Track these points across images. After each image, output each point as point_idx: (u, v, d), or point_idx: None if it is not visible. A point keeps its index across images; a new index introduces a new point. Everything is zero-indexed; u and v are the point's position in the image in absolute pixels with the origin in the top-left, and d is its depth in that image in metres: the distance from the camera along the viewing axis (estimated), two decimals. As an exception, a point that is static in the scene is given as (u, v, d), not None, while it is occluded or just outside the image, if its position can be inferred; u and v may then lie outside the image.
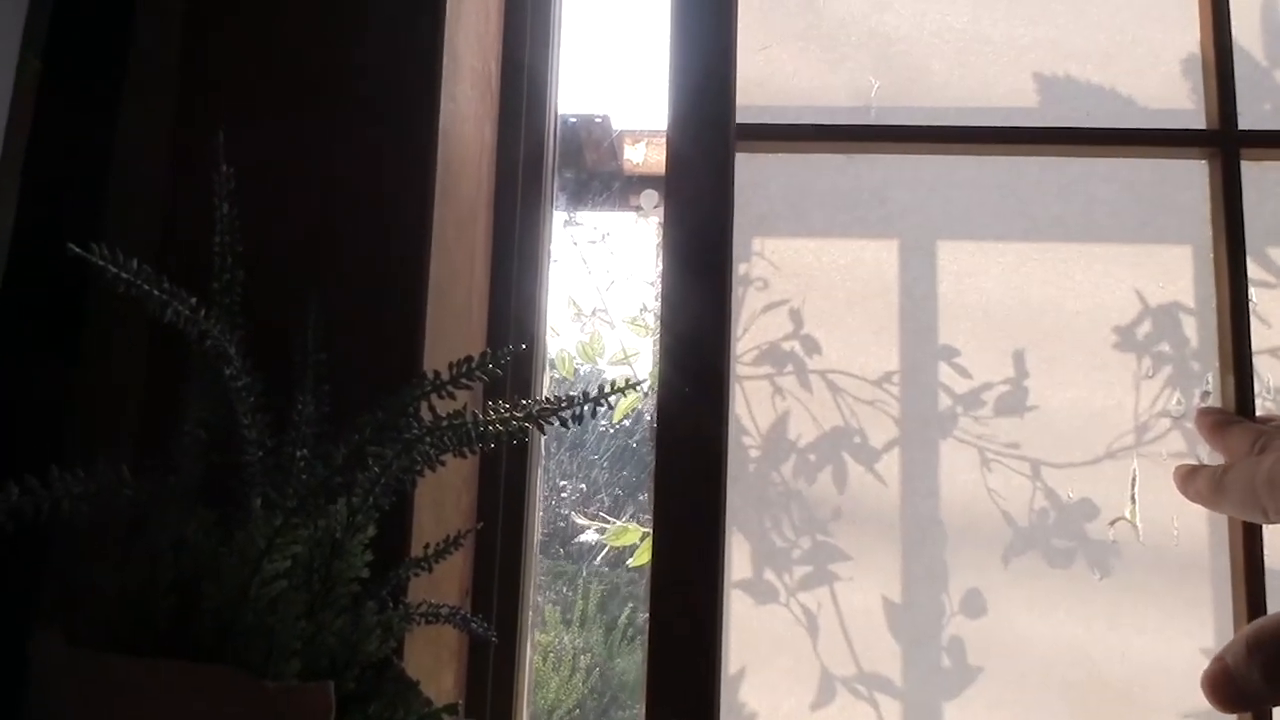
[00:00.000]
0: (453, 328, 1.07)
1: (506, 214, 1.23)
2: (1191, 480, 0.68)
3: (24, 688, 0.81)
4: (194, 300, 0.74)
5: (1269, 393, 1.12)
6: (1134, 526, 1.09)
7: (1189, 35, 1.18)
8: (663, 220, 1.14)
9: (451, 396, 0.77)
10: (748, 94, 1.19)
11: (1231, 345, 1.10)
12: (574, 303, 1.69)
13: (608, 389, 0.73)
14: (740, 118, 1.16)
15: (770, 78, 1.20)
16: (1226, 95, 1.14)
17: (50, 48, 0.90)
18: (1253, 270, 1.14)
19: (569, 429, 0.77)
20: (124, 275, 0.67)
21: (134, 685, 0.73)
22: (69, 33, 0.91)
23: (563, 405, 0.74)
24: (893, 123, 1.18)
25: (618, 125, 1.63)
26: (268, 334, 0.85)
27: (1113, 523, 1.09)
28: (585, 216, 1.66)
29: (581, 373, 1.73)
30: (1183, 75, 1.18)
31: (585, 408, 0.73)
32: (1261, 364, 1.13)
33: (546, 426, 0.75)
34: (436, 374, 0.77)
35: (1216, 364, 1.11)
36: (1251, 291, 1.11)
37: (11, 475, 0.67)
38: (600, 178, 1.64)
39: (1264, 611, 1.03)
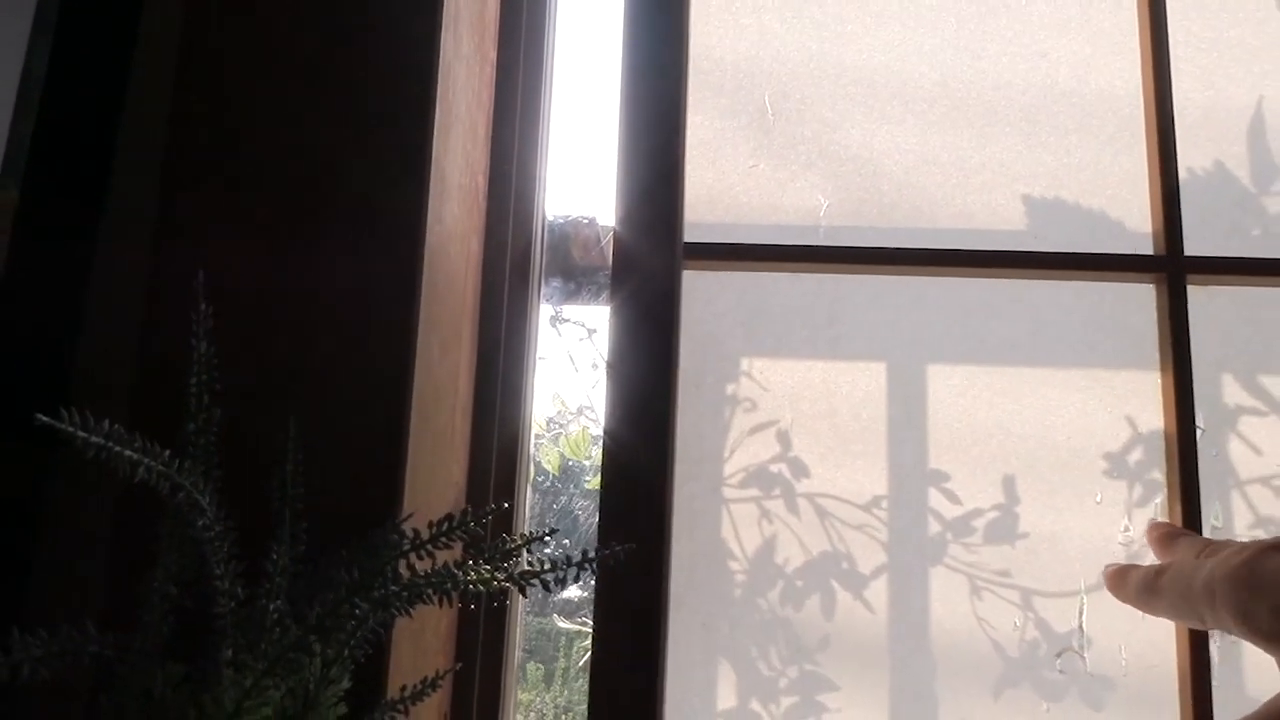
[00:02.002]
0: (435, 449, 1.05)
1: (493, 324, 1.22)
2: (1123, 580, 0.66)
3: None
4: (168, 453, 0.72)
5: (1259, 524, 1.10)
6: (1081, 658, 1.07)
7: (1136, 158, 1.19)
8: (609, 341, 1.13)
9: (431, 556, 0.75)
10: (696, 211, 1.18)
11: (1177, 474, 1.09)
12: (560, 399, 1.68)
13: (587, 555, 0.71)
14: (689, 235, 1.16)
15: (720, 195, 1.19)
16: (1172, 219, 1.15)
17: (28, 177, 0.89)
18: (1242, 397, 1.13)
19: (551, 592, 0.75)
20: (94, 440, 0.66)
21: None
22: (48, 162, 0.90)
23: (545, 570, 0.72)
24: (842, 242, 1.18)
25: (605, 221, 1.63)
26: (244, 462, 0.83)
27: (1056, 654, 1.08)
28: (573, 311, 1.65)
29: (572, 468, 1.71)
30: (1132, 197, 1.18)
31: (569, 572, 0.71)
32: (1253, 493, 1.12)
33: (528, 589, 0.73)
34: (416, 533, 0.75)
35: (1166, 491, 1.10)
36: (1200, 418, 1.10)
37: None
38: (588, 274, 1.64)
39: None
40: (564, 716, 1.70)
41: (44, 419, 0.62)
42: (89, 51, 0.96)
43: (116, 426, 0.68)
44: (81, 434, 0.64)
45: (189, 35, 1.02)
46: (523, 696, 1.76)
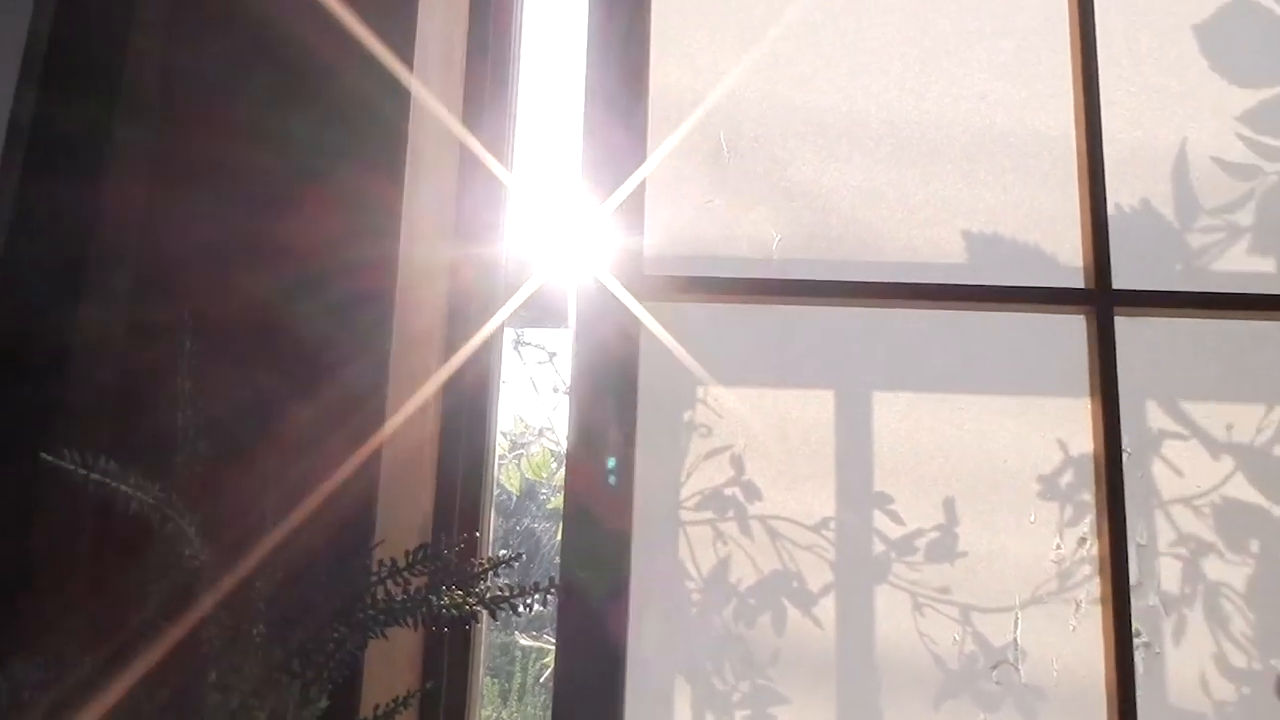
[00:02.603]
0: (405, 477, 1.10)
1: (458, 349, 1.27)
2: None
3: None
4: (158, 486, 0.77)
5: (1180, 542, 1.18)
6: (1016, 670, 1.14)
7: (1069, 196, 1.26)
8: (571, 371, 1.19)
9: (406, 583, 0.80)
10: (655, 244, 1.24)
11: (1105, 495, 1.16)
12: (522, 420, 1.73)
13: (549, 582, 0.77)
14: (648, 269, 1.22)
15: (678, 230, 1.25)
16: (1101, 254, 1.22)
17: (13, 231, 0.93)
18: (1165, 422, 1.21)
19: (519, 615, 0.80)
20: (94, 477, 0.70)
21: None
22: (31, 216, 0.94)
23: (515, 594, 0.77)
24: (794, 274, 1.24)
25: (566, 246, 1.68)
26: (227, 497, 0.88)
27: (992, 666, 1.14)
28: (534, 335, 1.70)
29: (533, 489, 1.76)
30: (1065, 232, 1.25)
31: (531, 598, 0.77)
32: (1175, 512, 1.19)
33: (496, 614, 0.78)
34: (393, 562, 0.80)
35: (1095, 511, 1.17)
36: (1127, 442, 1.18)
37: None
38: (549, 298, 1.69)
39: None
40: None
41: (48, 458, 0.66)
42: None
43: (112, 463, 0.72)
44: (82, 471, 0.69)
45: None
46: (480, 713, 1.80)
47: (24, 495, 0.91)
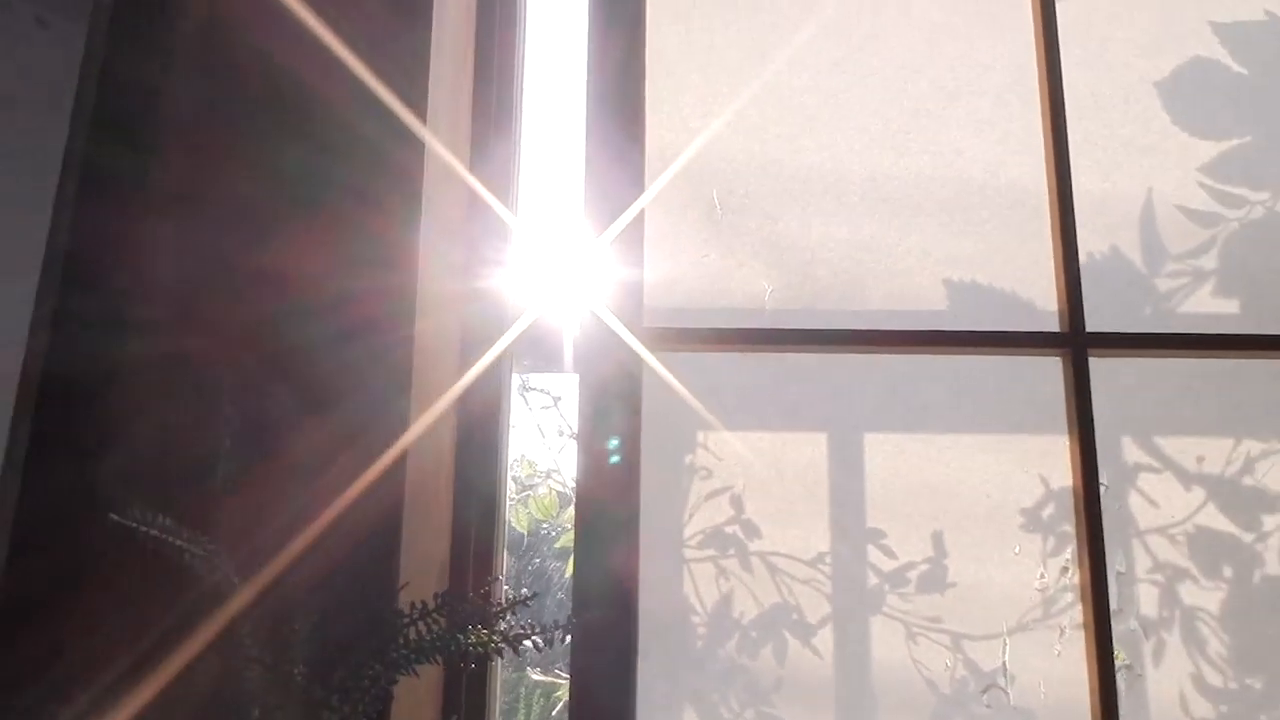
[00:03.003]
0: (424, 525, 1.17)
1: (470, 402, 1.34)
2: None
3: None
4: (206, 539, 0.84)
5: (1157, 569, 1.25)
6: (1005, 693, 1.21)
7: (1042, 244, 1.34)
8: (577, 418, 1.26)
9: (432, 625, 0.87)
10: (655, 297, 1.32)
11: (1084, 526, 1.23)
12: (529, 462, 1.80)
13: (567, 621, 0.84)
14: (648, 320, 1.30)
15: (676, 282, 1.33)
16: (1074, 296, 1.30)
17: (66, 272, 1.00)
18: (1140, 456, 1.28)
19: (540, 651, 0.87)
20: (153, 532, 0.77)
21: None
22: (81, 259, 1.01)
23: (535, 632, 0.84)
24: (786, 323, 1.32)
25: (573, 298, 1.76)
26: (261, 543, 0.95)
27: (982, 690, 1.21)
28: (539, 380, 1.77)
29: (541, 529, 1.83)
30: (1039, 279, 1.33)
31: (552, 635, 0.84)
32: (1152, 541, 1.26)
33: (511, 653, 0.85)
34: (424, 604, 0.87)
35: (1076, 541, 1.24)
36: (1104, 476, 1.25)
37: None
38: (553, 345, 1.76)
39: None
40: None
41: (116, 518, 0.73)
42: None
43: (168, 520, 0.79)
44: (144, 528, 0.76)
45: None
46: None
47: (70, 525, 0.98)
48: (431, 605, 0.88)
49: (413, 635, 0.89)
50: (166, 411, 1.09)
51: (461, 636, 0.86)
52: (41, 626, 0.96)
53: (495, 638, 0.85)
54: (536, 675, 1.58)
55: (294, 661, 0.90)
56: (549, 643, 0.84)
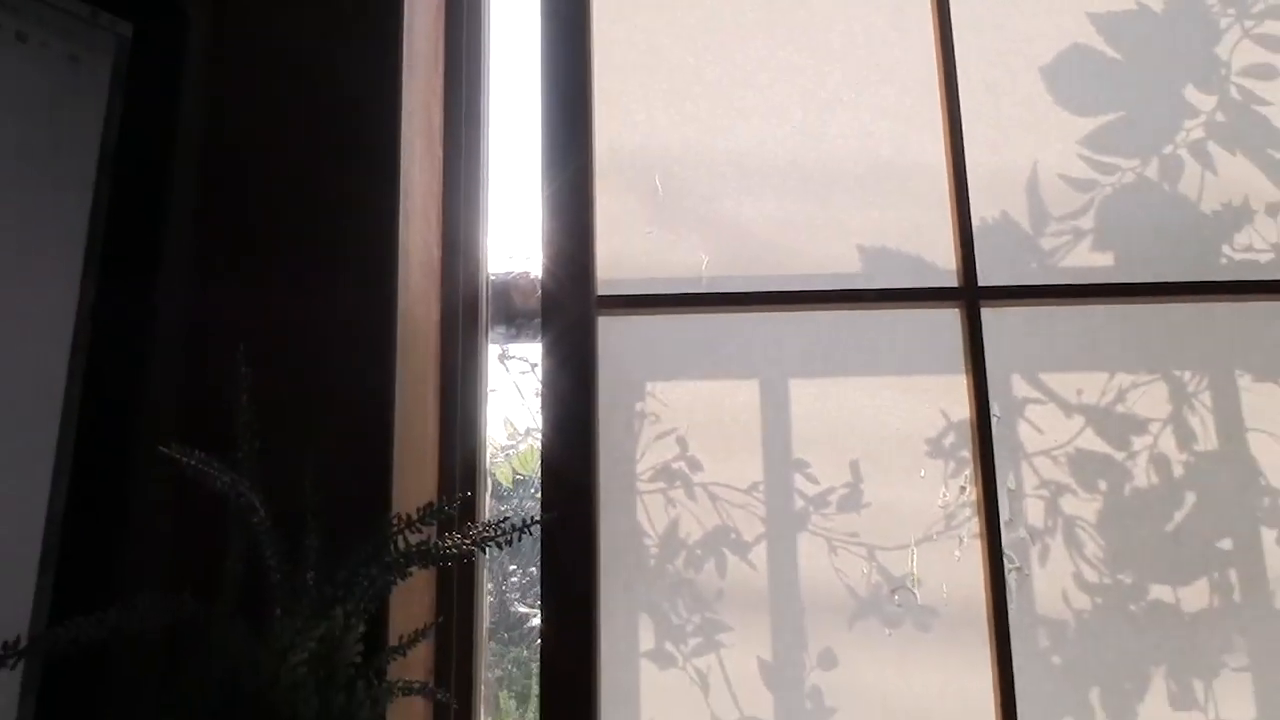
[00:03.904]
0: (412, 464, 1.38)
1: (451, 364, 1.55)
2: None
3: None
4: (231, 472, 1.05)
5: (1043, 486, 1.46)
6: (913, 594, 1.42)
7: (942, 212, 1.55)
8: (541, 377, 1.47)
9: (418, 532, 1.09)
10: (605, 269, 1.53)
11: (978, 451, 1.45)
12: (510, 423, 2.02)
13: (530, 520, 1.05)
14: (600, 289, 1.52)
15: (624, 257, 1.54)
16: (968, 256, 1.51)
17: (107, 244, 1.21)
18: (1027, 391, 1.49)
19: (502, 549, 1.08)
20: (192, 463, 0.98)
21: (198, 750, 1.02)
22: (119, 231, 1.22)
23: (499, 533, 1.06)
24: (721, 290, 1.53)
25: (537, 273, 1.97)
26: (277, 480, 1.16)
27: (893, 591, 1.42)
28: (517, 349, 1.98)
29: (520, 479, 2.04)
30: (939, 243, 1.54)
31: (514, 534, 1.05)
32: (1038, 463, 1.47)
33: (487, 550, 1.06)
34: (408, 516, 1.09)
35: (973, 464, 1.45)
36: (995, 406, 1.46)
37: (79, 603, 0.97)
38: (527, 317, 1.97)
39: (1010, 651, 1.37)
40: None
41: (166, 451, 0.95)
42: (138, 178, 1.28)
43: (202, 454, 1.01)
44: (187, 460, 0.97)
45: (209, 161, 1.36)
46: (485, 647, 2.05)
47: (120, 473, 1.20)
48: (415, 517, 1.09)
49: (401, 544, 1.10)
50: (189, 379, 1.31)
51: (441, 541, 1.07)
52: (97, 550, 1.18)
53: (467, 540, 1.06)
54: (522, 608, 1.79)
55: (307, 568, 1.11)
56: (509, 541, 1.06)
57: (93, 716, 1.16)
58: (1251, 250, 1.54)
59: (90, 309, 1.19)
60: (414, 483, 1.40)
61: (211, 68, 1.40)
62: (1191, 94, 1.60)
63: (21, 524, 1.12)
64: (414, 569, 1.14)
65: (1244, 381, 1.49)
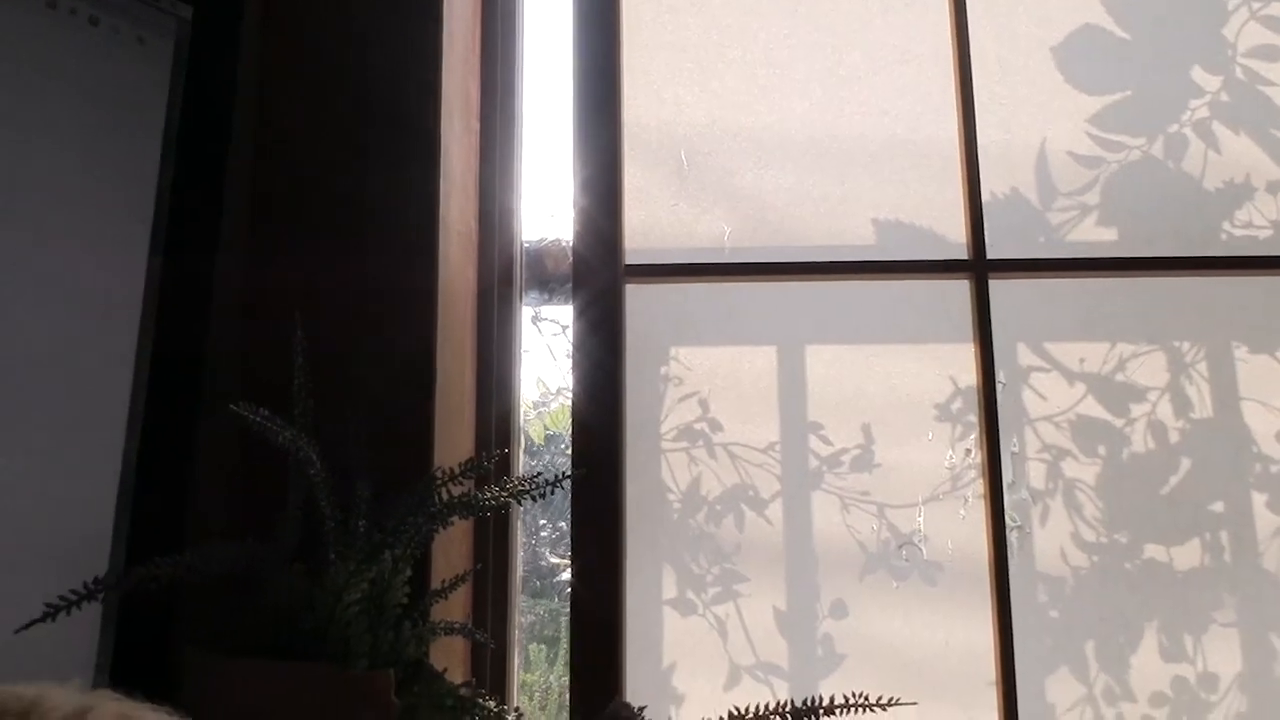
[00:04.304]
0: (451, 423, 1.48)
1: (487, 329, 1.64)
2: None
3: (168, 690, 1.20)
4: (291, 429, 1.15)
5: (1045, 450, 1.55)
6: (920, 550, 1.51)
7: (954, 187, 1.62)
8: (572, 341, 1.56)
9: (460, 484, 1.19)
10: (633, 240, 1.62)
11: (984, 416, 1.53)
12: (542, 382, 2.11)
13: (561, 475, 1.15)
14: (628, 259, 1.60)
15: (650, 228, 1.63)
16: (977, 230, 1.59)
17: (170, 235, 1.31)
18: (1032, 359, 1.57)
19: (536, 501, 1.18)
20: (258, 419, 1.08)
21: (261, 677, 1.13)
22: (182, 205, 1.32)
23: (533, 487, 1.15)
24: (742, 260, 1.61)
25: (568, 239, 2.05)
26: (329, 435, 1.26)
27: (901, 547, 1.52)
28: (549, 312, 2.08)
29: (551, 435, 2.14)
30: (951, 217, 1.61)
31: (547, 489, 1.15)
32: (1040, 428, 1.56)
33: (523, 502, 1.16)
34: (451, 470, 1.18)
35: (978, 428, 1.54)
36: (1001, 373, 1.54)
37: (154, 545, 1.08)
38: (559, 281, 2.06)
39: (1010, 605, 1.46)
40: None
41: (235, 408, 1.04)
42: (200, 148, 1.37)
43: (265, 410, 1.11)
44: (253, 416, 1.07)
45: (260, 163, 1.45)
46: (527, 677, 2.15)
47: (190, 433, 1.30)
48: (456, 471, 1.19)
49: (444, 496, 1.20)
50: (247, 343, 1.41)
51: (479, 493, 1.17)
52: (167, 496, 1.28)
53: (504, 492, 1.16)
54: (553, 559, 1.90)
55: (359, 516, 1.21)
56: (542, 494, 1.15)
57: (163, 644, 1.27)
58: (1251, 227, 1.60)
59: (157, 278, 1.29)
60: (453, 438, 1.49)
61: (263, 47, 1.49)
62: (1198, 74, 1.66)
63: (101, 473, 1.22)
64: (455, 518, 1.24)
65: (1240, 353, 1.56)
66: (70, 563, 1.19)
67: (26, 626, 0.99)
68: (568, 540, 1.95)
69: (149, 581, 1.06)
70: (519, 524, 1.59)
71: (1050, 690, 1.47)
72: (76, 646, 1.18)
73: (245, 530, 1.21)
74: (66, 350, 1.21)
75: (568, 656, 1.50)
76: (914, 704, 1.10)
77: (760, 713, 1.10)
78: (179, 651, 1.24)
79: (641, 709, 1.19)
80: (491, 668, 1.50)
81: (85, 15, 1.26)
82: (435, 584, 1.33)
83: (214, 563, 1.13)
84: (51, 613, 1.01)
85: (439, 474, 1.20)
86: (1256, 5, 1.67)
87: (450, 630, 1.28)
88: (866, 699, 1.10)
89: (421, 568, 1.32)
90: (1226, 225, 1.61)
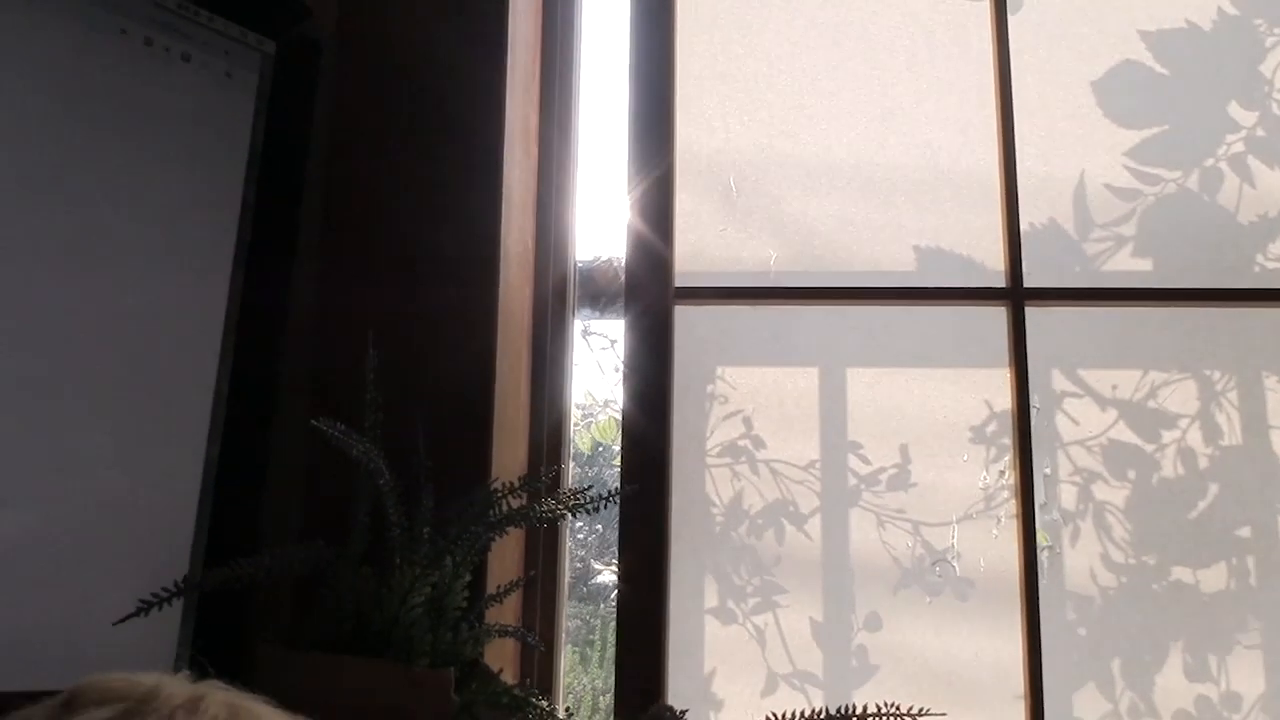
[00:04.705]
0: (507, 434, 1.56)
1: (541, 345, 1.72)
2: None
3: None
4: (365, 441, 1.23)
5: (1076, 473, 1.60)
6: (953, 566, 1.57)
7: (993, 217, 1.68)
8: (623, 357, 1.64)
9: (518, 496, 1.27)
10: (683, 263, 1.69)
11: (1017, 439, 1.59)
12: (590, 394, 2.19)
13: (614, 492, 1.23)
14: (678, 281, 1.68)
15: (700, 251, 1.70)
16: (1015, 258, 1.65)
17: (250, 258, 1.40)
18: (1066, 385, 1.63)
19: (590, 514, 1.25)
20: (336, 433, 1.17)
21: (331, 671, 1.21)
22: (262, 228, 1.41)
23: (587, 501, 1.23)
24: (787, 284, 1.68)
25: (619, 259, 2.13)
26: (394, 447, 1.34)
27: (935, 564, 1.58)
28: (598, 326, 2.15)
29: (599, 446, 2.22)
30: (990, 246, 1.67)
31: (601, 503, 1.23)
32: (1073, 452, 1.61)
33: (577, 515, 1.24)
34: (511, 483, 1.26)
35: (1012, 450, 1.60)
36: (1035, 398, 1.60)
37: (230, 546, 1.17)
38: (610, 297, 2.14)
39: (1039, 622, 1.52)
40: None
41: (316, 423, 1.13)
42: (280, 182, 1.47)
43: (341, 425, 1.19)
44: (332, 431, 1.16)
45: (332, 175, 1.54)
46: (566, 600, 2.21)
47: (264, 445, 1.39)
48: (516, 485, 1.27)
49: (503, 508, 1.28)
50: (318, 358, 1.50)
51: (536, 505, 1.25)
52: (243, 501, 1.37)
53: (560, 505, 1.24)
54: (599, 566, 1.99)
55: (424, 524, 1.29)
56: (597, 509, 1.23)
57: (238, 636, 1.36)
58: (1284, 259, 1.65)
59: (239, 297, 1.38)
60: (508, 449, 1.58)
61: (338, 81, 1.58)
62: (1234, 109, 1.71)
63: (182, 479, 1.32)
64: (510, 528, 1.32)
65: (1270, 383, 1.61)
66: (155, 562, 1.29)
67: (124, 620, 1.08)
68: (605, 545, 2.03)
69: (232, 582, 1.15)
70: (568, 533, 1.67)
71: (1077, 706, 1.53)
72: (160, 638, 1.27)
73: (312, 534, 1.30)
74: (159, 363, 1.30)
75: (599, 660, 1.57)
76: (943, 715, 1.17)
77: (796, 719, 1.17)
78: (250, 644, 1.33)
79: (683, 712, 1.26)
80: (539, 669, 1.58)
81: (178, 53, 1.35)
82: (490, 589, 1.41)
83: (289, 564, 1.21)
84: (144, 608, 1.10)
85: (498, 487, 1.28)
86: (1294, 43, 1.72)
87: (505, 633, 1.36)
88: (897, 708, 1.16)
89: (478, 573, 1.40)
90: (1259, 258, 1.66)
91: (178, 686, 0.74)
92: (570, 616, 2.40)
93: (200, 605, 1.32)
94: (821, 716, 1.18)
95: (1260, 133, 1.70)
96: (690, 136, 1.75)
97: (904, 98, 1.75)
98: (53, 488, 1.21)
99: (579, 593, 2.14)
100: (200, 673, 0.77)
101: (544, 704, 1.25)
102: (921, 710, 1.15)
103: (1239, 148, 1.69)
